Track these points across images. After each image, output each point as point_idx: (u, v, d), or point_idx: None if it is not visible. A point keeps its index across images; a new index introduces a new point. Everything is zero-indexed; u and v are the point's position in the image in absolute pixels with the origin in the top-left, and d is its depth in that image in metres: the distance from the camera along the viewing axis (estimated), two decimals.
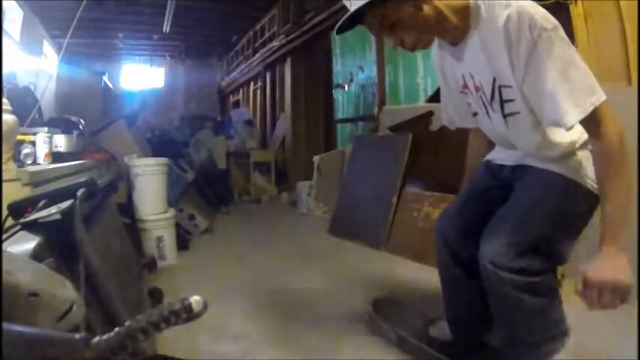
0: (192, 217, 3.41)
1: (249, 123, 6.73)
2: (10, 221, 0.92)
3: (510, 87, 1.01)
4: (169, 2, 6.00)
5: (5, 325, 0.41)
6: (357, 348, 1.57)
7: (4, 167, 1.49)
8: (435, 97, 2.92)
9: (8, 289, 0.51)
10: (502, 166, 1.27)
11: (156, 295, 1.85)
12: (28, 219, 0.88)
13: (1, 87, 1.88)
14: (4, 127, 1.53)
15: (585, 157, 1.08)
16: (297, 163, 5.86)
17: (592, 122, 0.93)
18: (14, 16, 3.68)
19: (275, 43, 6.22)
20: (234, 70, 8.99)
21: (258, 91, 7.63)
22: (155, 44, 8.79)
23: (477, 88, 1.10)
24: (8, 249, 0.73)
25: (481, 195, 1.30)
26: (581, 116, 0.91)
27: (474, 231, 1.15)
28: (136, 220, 2.60)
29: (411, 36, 1.04)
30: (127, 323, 0.45)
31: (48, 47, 4.94)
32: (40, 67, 4.13)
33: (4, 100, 1.60)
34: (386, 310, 1.69)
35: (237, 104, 9.36)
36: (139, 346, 0.45)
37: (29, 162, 1.89)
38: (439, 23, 1.02)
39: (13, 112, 1.64)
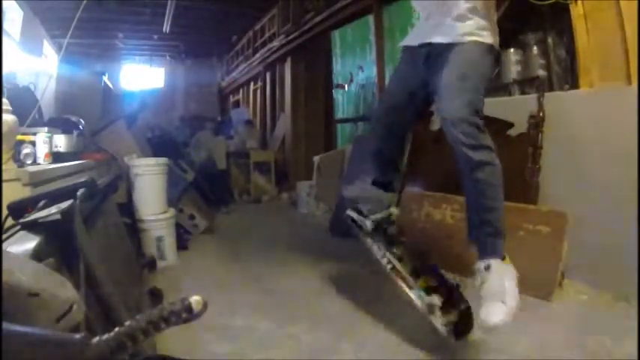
0: (192, 217, 3.41)
1: (249, 123, 6.72)
2: (10, 221, 0.92)
3: None
4: (169, 2, 6.00)
5: (5, 325, 0.41)
6: (356, 349, 1.57)
7: (4, 167, 1.49)
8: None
9: (8, 289, 0.51)
10: (418, 50, 1.57)
11: (156, 295, 1.85)
12: (28, 219, 0.88)
13: (1, 87, 1.88)
14: (4, 127, 1.53)
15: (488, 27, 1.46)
16: (297, 163, 5.86)
17: None
18: (14, 16, 3.68)
19: (275, 43, 6.22)
20: (234, 70, 8.99)
21: (258, 91, 7.62)
22: (155, 44, 8.79)
23: None
24: (8, 249, 0.73)
25: (406, 88, 1.65)
26: None
27: (403, 111, 1.67)
28: (136, 220, 2.60)
29: None
30: (127, 323, 0.45)
31: (48, 47, 4.94)
32: (40, 67, 4.13)
33: (4, 100, 1.60)
34: None
35: (237, 104, 9.35)
36: (138, 346, 0.45)
37: (29, 162, 1.90)
38: None
39: (13, 112, 1.65)
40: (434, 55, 1.52)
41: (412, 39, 1.66)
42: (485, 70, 1.47)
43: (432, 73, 1.51)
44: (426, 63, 1.56)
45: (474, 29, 1.45)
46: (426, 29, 1.58)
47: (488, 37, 1.47)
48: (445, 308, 1.53)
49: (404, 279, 1.64)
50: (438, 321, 1.51)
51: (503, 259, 1.33)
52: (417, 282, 1.64)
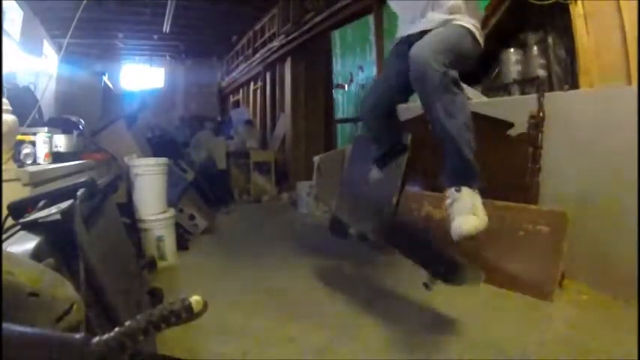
0: (192, 217, 3.41)
1: (249, 123, 6.72)
2: (10, 221, 0.92)
3: None
4: (169, 2, 5.99)
5: (5, 325, 0.41)
6: (356, 349, 1.57)
7: (4, 167, 1.49)
8: None
9: (8, 289, 0.51)
10: (407, 40, 1.62)
11: (156, 295, 1.84)
12: (28, 219, 0.88)
13: (1, 87, 1.88)
14: (4, 127, 1.53)
15: (468, 16, 1.55)
16: (297, 163, 5.86)
17: None
18: (14, 16, 3.68)
19: (275, 43, 6.22)
20: (234, 70, 8.98)
21: (258, 91, 7.62)
22: (155, 44, 8.79)
23: None
24: (8, 249, 0.73)
25: (394, 77, 1.72)
26: None
27: (393, 99, 1.81)
28: (136, 220, 2.60)
29: None
30: (127, 323, 0.45)
31: (48, 47, 4.94)
32: (40, 67, 4.13)
33: (4, 100, 1.60)
34: None
35: (237, 104, 9.35)
36: (138, 346, 0.45)
37: (29, 162, 1.89)
38: None
39: (13, 112, 1.65)
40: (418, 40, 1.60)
41: (400, 34, 1.78)
42: (463, 46, 1.53)
43: None
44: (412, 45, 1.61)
45: (456, 17, 1.56)
46: (412, 25, 1.69)
47: (471, 25, 1.56)
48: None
49: None
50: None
51: (474, 190, 1.42)
52: None
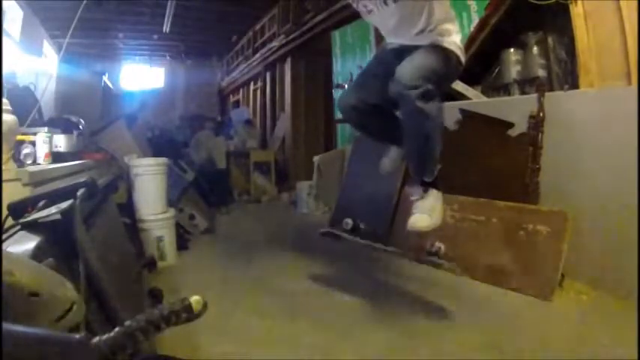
0: (192, 217, 3.41)
1: (249, 123, 6.72)
2: (10, 221, 0.92)
3: None
4: (169, 2, 5.99)
5: (5, 325, 0.41)
6: (356, 349, 1.57)
7: (4, 167, 1.49)
8: None
9: (8, 289, 0.51)
10: (393, 51, 1.72)
11: (156, 295, 1.85)
12: (28, 219, 0.88)
13: (1, 87, 1.88)
14: (4, 127, 1.53)
15: (452, 31, 1.62)
16: (297, 163, 5.86)
17: None
18: (14, 16, 3.68)
19: (275, 43, 6.22)
20: (234, 70, 8.98)
21: (258, 91, 7.62)
22: (155, 44, 8.79)
23: None
24: (8, 249, 0.73)
25: (377, 72, 1.77)
26: None
27: (374, 92, 1.72)
28: (136, 220, 2.60)
29: None
30: (126, 323, 0.45)
31: (48, 47, 4.94)
32: (40, 67, 4.13)
33: (4, 100, 1.60)
34: None
35: (237, 104, 9.35)
36: (138, 346, 0.45)
37: (29, 162, 1.89)
38: None
39: (13, 112, 1.64)
40: (405, 50, 1.65)
41: (388, 41, 1.83)
42: (447, 71, 1.61)
43: (399, 61, 1.63)
44: (396, 53, 1.69)
45: (439, 37, 1.61)
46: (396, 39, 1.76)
47: (457, 48, 1.64)
48: None
49: None
50: None
51: (437, 188, 1.66)
52: None
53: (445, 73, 1.60)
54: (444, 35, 1.61)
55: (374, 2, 1.64)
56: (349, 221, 2.00)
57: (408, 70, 1.50)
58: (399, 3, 1.57)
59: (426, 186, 1.64)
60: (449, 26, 1.64)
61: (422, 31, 1.61)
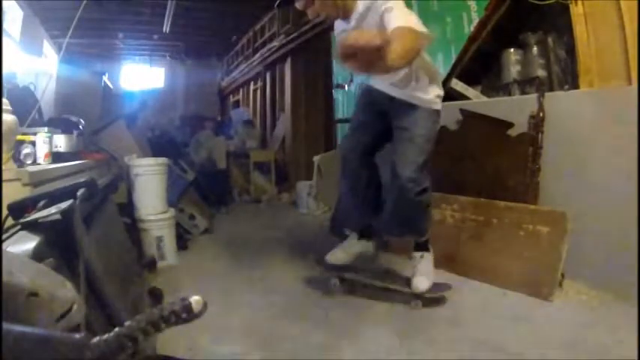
0: (192, 217, 3.41)
1: (249, 123, 6.72)
2: (10, 221, 0.92)
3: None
4: (169, 2, 5.99)
5: (5, 325, 0.41)
6: (356, 349, 1.57)
7: (4, 167, 1.49)
8: None
9: (8, 289, 0.51)
10: (381, 93, 1.87)
11: (156, 295, 1.85)
12: (28, 219, 0.88)
13: (1, 87, 1.88)
14: (4, 127, 1.53)
15: (431, 86, 1.81)
16: (297, 163, 5.85)
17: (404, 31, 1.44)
18: (14, 16, 3.68)
19: (275, 43, 6.22)
20: (234, 70, 8.98)
21: (258, 91, 7.62)
22: (155, 44, 8.79)
23: None
24: (8, 249, 0.73)
25: (369, 123, 1.96)
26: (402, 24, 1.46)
27: (369, 148, 1.96)
28: (136, 220, 2.60)
29: (323, 10, 1.75)
30: (127, 323, 0.45)
31: (48, 47, 4.93)
32: (40, 67, 4.13)
33: (4, 100, 1.60)
34: None
35: (237, 104, 9.35)
36: (138, 346, 0.45)
37: (29, 162, 1.89)
38: (343, 5, 1.73)
39: (13, 112, 1.64)
40: (393, 106, 1.84)
41: (374, 84, 1.94)
42: (432, 133, 1.81)
43: (392, 116, 1.86)
44: (384, 107, 1.89)
45: (420, 95, 1.79)
46: (382, 84, 1.88)
47: (440, 106, 1.84)
48: None
49: None
50: None
51: (429, 251, 1.99)
52: None
53: (434, 134, 1.82)
54: (428, 86, 1.79)
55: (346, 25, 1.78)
56: (337, 282, 2.08)
57: (405, 163, 1.72)
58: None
59: (421, 250, 1.95)
60: (428, 70, 1.80)
61: (404, 81, 1.76)
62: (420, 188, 1.73)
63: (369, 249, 2.12)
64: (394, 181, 1.75)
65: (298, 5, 1.74)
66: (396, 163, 1.74)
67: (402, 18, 1.51)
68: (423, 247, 1.97)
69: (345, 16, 1.76)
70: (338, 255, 2.04)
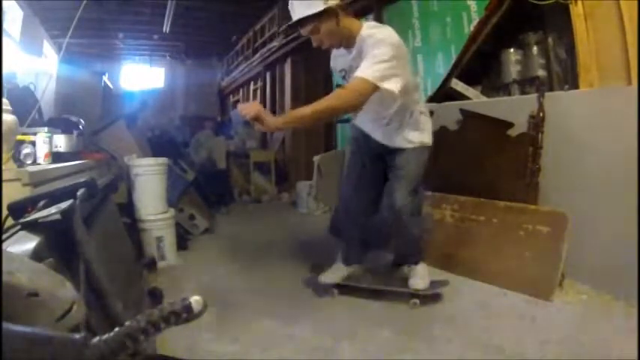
0: (192, 217, 3.41)
1: (249, 123, 6.70)
2: (10, 221, 0.92)
3: None
4: (169, 2, 6.00)
5: (5, 325, 0.41)
6: (356, 349, 1.57)
7: (4, 167, 1.49)
8: (435, 97, 2.92)
9: (8, 289, 0.51)
10: (372, 139, 1.98)
11: (156, 295, 1.85)
12: (28, 219, 0.88)
13: (1, 87, 1.88)
14: (4, 127, 1.53)
15: (422, 122, 1.94)
16: (297, 163, 5.85)
17: (365, 84, 1.61)
18: (14, 16, 3.68)
19: (275, 43, 6.22)
20: (234, 70, 8.98)
21: (258, 91, 7.62)
22: (155, 44, 8.80)
23: (352, 70, 1.77)
24: (8, 249, 0.73)
25: (367, 175, 2.06)
26: (369, 78, 1.59)
27: (366, 200, 2.06)
28: (136, 220, 2.60)
29: (328, 40, 1.78)
30: (127, 323, 0.45)
31: (48, 47, 4.93)
32: (40, 67, 4.12)
33: (4, 100, 1.60)
34: None
35: (237, 104, 9.35)
36: (138, 346, 0.45)
37: (29, 162, 1.89)
38: (347, 35, 1.77)
39: (13, 112, 1.64)
40: (386, 152, 1.96)
41: (362, 125, 2.04)
42: (424, 163, 1.93)
43: (386, 158, 1.98)
44: (378, 153, 2.00)
45: (411, 137, 1.89)
46: (371, 128, 1.99)
47: (430, 140, 1.95)
48: None
49: None
50: None
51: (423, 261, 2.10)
52: None
53: (425, 162, 1.93)
54: (419, 126, 1.90)
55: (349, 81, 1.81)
56: (335, 292, 2.12)
57: (397, 195, 1.86)
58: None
59: (415, 263, 2.06)
60: (419, 108, 1.93)
61: (396, 124, 1.88)
62: (411, 209, 1.90)
63: (358, 270, 2.19)
64: (390, 211, 1.90)
65: (303, 32, 1.78)
66: (390, 195, 1.90)
67: (368, 68, 1.61)
68: (418, 257, 2.10)
69: (348, 47, 1.81)
70: (329, 276, 2.12)
